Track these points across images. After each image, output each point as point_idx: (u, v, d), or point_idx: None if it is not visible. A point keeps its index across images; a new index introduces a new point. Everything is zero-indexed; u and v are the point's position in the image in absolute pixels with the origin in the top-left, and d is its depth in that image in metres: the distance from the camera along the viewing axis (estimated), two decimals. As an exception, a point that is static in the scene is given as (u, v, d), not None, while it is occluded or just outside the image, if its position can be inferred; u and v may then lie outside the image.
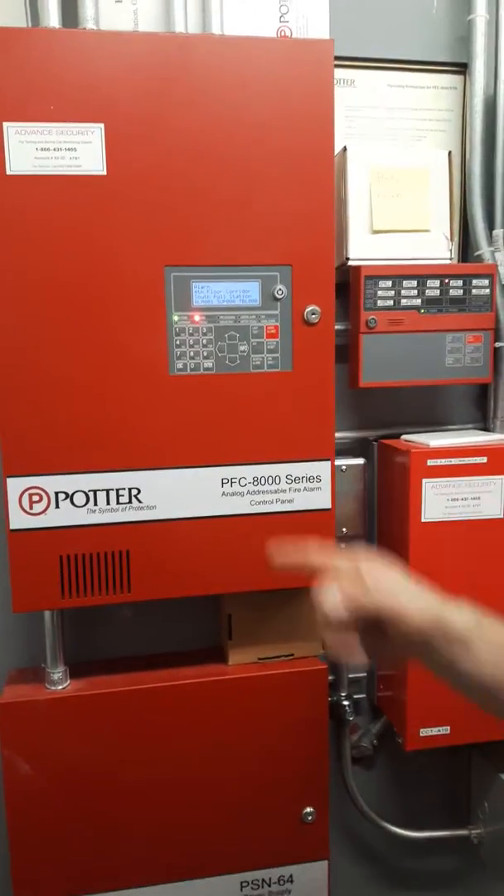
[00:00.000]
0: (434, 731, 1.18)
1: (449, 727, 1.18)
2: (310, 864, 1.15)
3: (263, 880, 1.13)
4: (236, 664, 1.13)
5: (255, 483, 1.02)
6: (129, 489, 0.98)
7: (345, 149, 1.14)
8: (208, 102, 0.93)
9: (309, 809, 1.13)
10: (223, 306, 0.98)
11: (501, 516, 1.14)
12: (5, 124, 0.89)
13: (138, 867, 1.09)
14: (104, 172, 0.92)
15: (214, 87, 0.93)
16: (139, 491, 0.99)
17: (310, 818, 1.13)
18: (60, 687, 1.08)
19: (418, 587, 0.68)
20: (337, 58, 1.00)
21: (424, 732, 1.18)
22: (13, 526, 0.97)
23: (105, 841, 1.08)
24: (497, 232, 1.22)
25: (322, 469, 1.04)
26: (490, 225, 1.23)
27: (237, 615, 1.13)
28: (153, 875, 1.10)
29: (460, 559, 1.14)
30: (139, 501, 0.99)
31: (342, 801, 1.32)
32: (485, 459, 1.13)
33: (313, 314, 1.00)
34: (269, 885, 1.14)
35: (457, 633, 0.65)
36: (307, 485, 1.03)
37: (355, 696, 1.31)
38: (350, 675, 1.30)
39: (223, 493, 1.01)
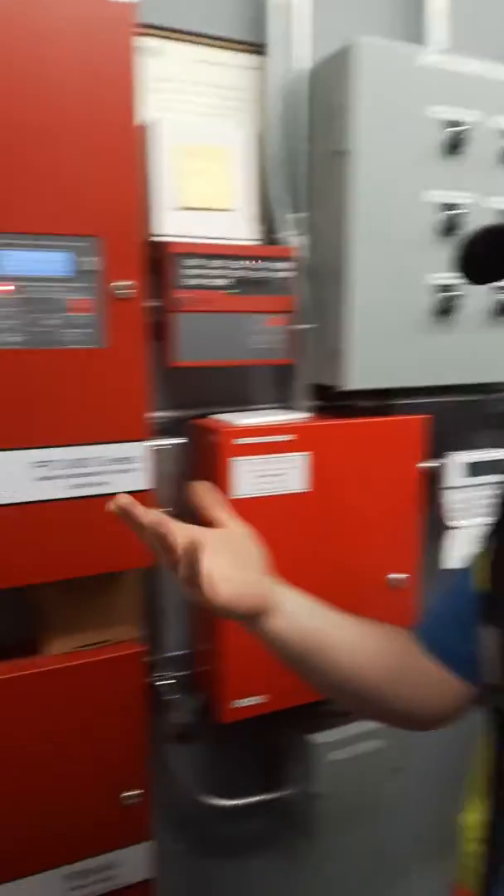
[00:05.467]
0: (248, 702, 1.21)
1: (262, 697, 1.22)
2: (134, 846, 1.14)
3: (89, 870, 1.11)
4: (50, 655, 1.09)
5: (68, 466, 0.97)
6: None
7: (150, 121, 1.11)
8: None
9: (130, 793, 1.12)
10: (28, 276, 0.92)
11: (304, 490, 1.19)
12: None
13: None
14: None
15: (6, 39, 0.86)
16: None
17: (131, 801, 1.12)
18: None
19: None
20: (144, 25, 0.97)
21: (239, 703, 1.21)
22: None
23: None
24: (296, 216, 1.26)
25: (137, 450, 1.02)
26: (290, 208, 1.26)
27: (49, 604, 1.08)
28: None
29: (270, 533, 1.17)
30: None
31: (163, 780, 1.32)
32: (289, 437, 1.17)
33: (124, 289, 0.97)
34: (97, 873, 1.11)
35: None
36: (122, 466, 1.01)
37: (174, 675, 1.31)
38: (168, 654, 1.30)
39: (35, 478, 0.96)
